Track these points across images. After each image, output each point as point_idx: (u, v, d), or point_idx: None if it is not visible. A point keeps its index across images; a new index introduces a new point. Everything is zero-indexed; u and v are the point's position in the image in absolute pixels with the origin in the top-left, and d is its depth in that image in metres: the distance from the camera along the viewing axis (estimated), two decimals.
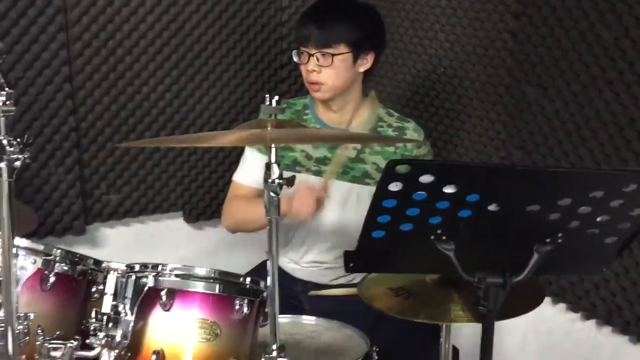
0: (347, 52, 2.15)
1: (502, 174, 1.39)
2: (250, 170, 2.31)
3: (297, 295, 2.33)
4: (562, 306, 2.28)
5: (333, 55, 2.13)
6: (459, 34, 2.46)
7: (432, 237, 1.42)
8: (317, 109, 2.29)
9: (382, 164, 2.24)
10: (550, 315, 2.29)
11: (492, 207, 1.38)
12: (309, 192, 2.10)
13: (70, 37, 2.53)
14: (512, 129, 2.31)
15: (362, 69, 2.22)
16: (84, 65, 2.58)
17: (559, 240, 1.42)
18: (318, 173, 2.25)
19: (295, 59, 2.21)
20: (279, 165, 1.40)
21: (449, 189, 1.34)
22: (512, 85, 2.30)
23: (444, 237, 1.42)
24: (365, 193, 2.26)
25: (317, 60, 2.15)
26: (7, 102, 1.32)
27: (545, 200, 1.36)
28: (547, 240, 1.43)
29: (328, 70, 2.15)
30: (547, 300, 2.24)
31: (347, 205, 2.28)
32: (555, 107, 2.17)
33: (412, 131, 2.27)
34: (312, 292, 2.11)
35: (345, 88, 2.21)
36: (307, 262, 2.35)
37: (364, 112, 2.28)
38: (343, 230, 2.29)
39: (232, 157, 2.81)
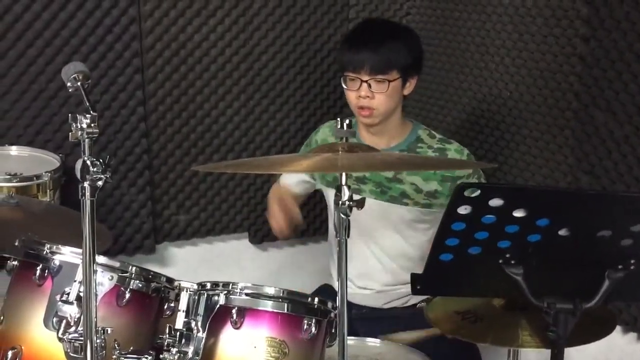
0: (399, 78, 2.15)
1: (574, 198, 1.38)
2: (289, 176, 2.46)
3: (352, 319, 2.32)
4: (632, 335, 2.22)
5: (389, 81, 2.13)
6: (525, 59, 2.45)
7: (501, 261, 1.42)
8: (359, 130, 2.30)
9: (421, 184, 2.23)
10: (620, 345, 2.24)
11: (562, 232, 1.37)
12: (278, 206, 2.28)
13: (145, 62, 2.62)
14: (580, 154, 2.29)
15: (406, 93, 2.22)
16: (156, 90, 2.67)
17: (632, 267, 1.41)
18: (357, 192, 2.25)
19: (343, 85, 2.19)
20: (349, 187, 1.42)
21: (518, 213, 1.34)
22: (580, 109, 2.28)
23: (512, 262, 1.42)
24: (403, 213, 2.25)
25: (370, 86, 2.14)
26: (92, 125, 1.38)
27: (618, 225, 1.35)
28: (619, 266, 1.41)
29: (381, 96, 2.14)
30: (618, 328, 2.19)
31: (384, 225, 2.27)
32: (624, 132, 2.14)
33: (454, 152, 2.24)
34: (382, 337, 2.06)
35: (393, 112, 2.22)
36: (359, 285, 2.35)
37: (403, 133, 2.28)
38: (387, 252, 2.29)
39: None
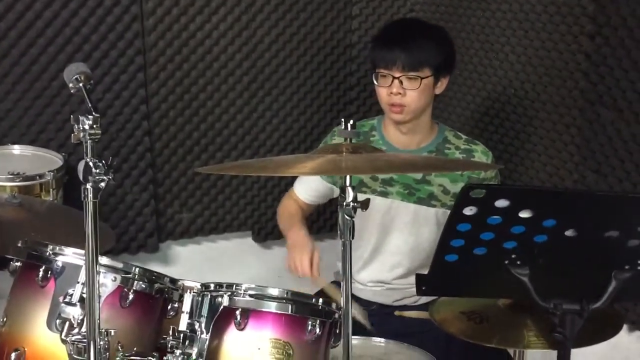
0: (431, 76, 2.15)
1: (581, 199, 1.37)
2: (305, 183, 2.40)
3: None
4: (638, 334, 2.21)
5: (422, 78, 2.13)
6: (530, 56, 2.44)
7: (507, 262, 1.41)
8: (386, 130, 2.30)
9: (449, 186, 2.23)
10: (626, 344, 2.23)
11: (569, 233, 1.36)
12: (300, 252, 2.13)
13: (147, 60, 2.61)
14: (586, 152, 2.27)
15: (438, 92, 2.22)
16: (159, 88, 2.66)
17: (639, 267, 1.39)
18: (384, 194, 2.26)
19: (375, 82, 2.19)
20: (353, 188, 1.41)
21: (525, 214, 1.33)
22: (586, 107, 2.26)
23: (518, 262, 1.41)
24: (431, 215, 2.25)
25: (401, 83, 2.14)
26: (94, 126, 1.37)
27: (625, 226, 1.34)
28: (626, 267, 1.40)
29: (412, 93, 2.14)
30: (624, 327, 2.18)
31: (412, 227, 2.27)
32: (631, 130, 2.12)
33: (481, 154, 2.26)
34: (398, 313, 2.09)
35: (424, 111, 2.22)
36: (372, 281, 2.35)
37: (432, 134, 2.28)
38: (407, 251, 2.29)
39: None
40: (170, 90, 2.68)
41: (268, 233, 2.95)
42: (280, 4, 2.74)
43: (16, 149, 2.46)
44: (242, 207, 2.89)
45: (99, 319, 1.43)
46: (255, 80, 2.78)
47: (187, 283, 1.77)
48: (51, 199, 2.29)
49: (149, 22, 2.59)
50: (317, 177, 2.38)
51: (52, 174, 2.28)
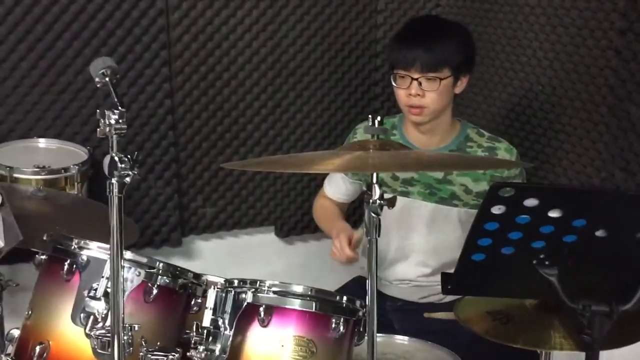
0: (450, 76, 2.12)
1: (612, 199, 1.35)
2: (334, 184, 2.43)
3: (387, 313, 2.32)
4: None
5: (441, 79, 2.10)
6: (558, 51, 2.40)
7: (535, 262, 1.39)
8: (406, 129, 2.28)
9: (471, 185, 2.21)
10: None
11: (599, 233, 1.34)
12: (341, 241, 2.13)
13: (172, 54, 2.61)
14: (614, 149, 2.23)
15: (457, 91, 2.19)
16: (184, 83, 2.66)
17: None
18: (405, 194, 2.24)
19: (393, 83, 2.16)
20: (380, 185, 1.39)
21: (554, 213, 1.31)
22: (615, 104, 2.22)
23: (547, 262, 1.39)
24: (453, 214, 2.24)
25: (420, 84, 2.11)
26: (120, 121, 1.37)
27: None
28: None
29: (432, 94, 2.12)
30: None
31: (433, 227, 2.26)
32: None
33: (504, 151, 2.23)
34: (427, 314, 2.08)
35: (443, 111, 2.19)
36: (396, 279, 2.33)
37: (453, 132, 2.26)
38: (430, 250, 2.27)
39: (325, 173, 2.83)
40: (195, 85, 2.68)
41: (291, 228, 2.94)
42: None
43: (42, 143, 2.47)
44: (265, 202, 2.88)
45: (123, 313, 1.43)
46: (280, 75, 2.77)
47: (211, 278, 1.77)
48: (76, 193, 2.30)
49: (174, 16, 2.59)
50: (344, 178, 2.38)
51: (77, 167, 2.29)
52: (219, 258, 2.89)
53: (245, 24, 2.67)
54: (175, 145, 2.69)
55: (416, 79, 2.11)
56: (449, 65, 2.11)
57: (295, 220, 2.93)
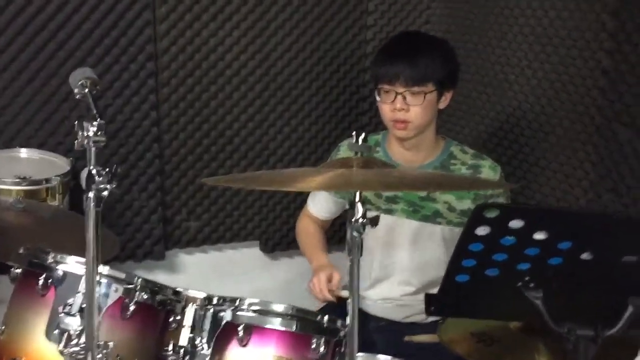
0: (434, 90, 2.11)
1: (598, 221, 1.33)
2: (317, 201, 2.43)
3: (370, 333, 2.29)
4: None
5: (425, 93, 2.10)
6: (547, 71, 2.39)
7: (519, 284, 1.37)
8: (390, 146, 2.26)
9: (454, 203, 2.19)
10: None
11: (585, 256, 1.32)
12: (320, 282, 2.13)
13: (159, 66, 2.58)
14: (602, 170, 2.22)
15: (441, 107, 2.18)
16: (170, 94, 2.63)
17: None
18: (389, 211, 2.22)
19: (377, 98, 2.15)
20: (363, 204, 1.37)
21: (539, 235, 1.29)
22: (603, 125, 2.21)
23: (532, 285, 1.37)
24: (437, 232, 2.22)
25: (405, 98, 2.11)
26: (99, 133, 1.34)
27: None
28: None
29: (416, 108, 2.11)
30: (639, 355, 2.13)
31: (417, 244, 2.24)
32: None
33: (489, 169, 2.21)
34: (408, 338, 2.05)
35: (428, 126, 2.18)
36: (380, 298, 2.31)
37: (437, 149, 2.24)
38: (414, 268, 2.25)
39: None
40: (181, 97, 2.65)
41: (276, 244, 2.91)
42: (295, 13, 2.71)
43: (23, 153, 2.44)
44: (250, 216, 2.85)
45: (97, 330, 1.40)
46: (267, 88, 2.75)
47: (192, 293, 1.73)
48: (57, 204, 2.26)
49: (162, 27, 2.56)
50: (327, 196, 2.37)
51: (58, 178, 2.25)
52: (203, 272, 2.85)
53: (233, 36, 2.65)
54: (160, 157, 2.66)
55: (400, 93, 2.10)
56: (433, 80, 2.10)
57: (280, 235, 2.90)
